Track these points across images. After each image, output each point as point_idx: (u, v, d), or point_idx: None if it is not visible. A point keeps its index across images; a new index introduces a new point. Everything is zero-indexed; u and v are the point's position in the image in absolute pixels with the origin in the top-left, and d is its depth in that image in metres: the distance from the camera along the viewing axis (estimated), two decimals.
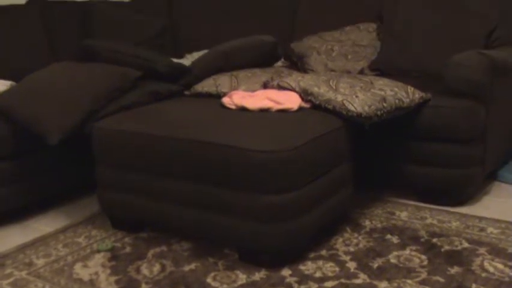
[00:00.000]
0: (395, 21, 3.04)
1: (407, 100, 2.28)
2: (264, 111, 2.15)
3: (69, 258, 2.12)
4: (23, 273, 2.02)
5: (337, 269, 1.96)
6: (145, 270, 2.00)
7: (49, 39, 3.21)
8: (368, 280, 1.88)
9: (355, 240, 2.18)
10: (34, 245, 2.24)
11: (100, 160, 2.25)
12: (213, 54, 2.74)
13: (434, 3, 2.94)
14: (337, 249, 2.11)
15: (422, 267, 1.96)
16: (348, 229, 2.28)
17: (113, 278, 1.95)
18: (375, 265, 1.98)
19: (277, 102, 2.15)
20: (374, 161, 2.58)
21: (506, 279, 1.86)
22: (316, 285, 1.86)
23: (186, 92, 2.62)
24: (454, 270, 1.93)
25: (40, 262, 2.10)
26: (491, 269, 1.93)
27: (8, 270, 2.04)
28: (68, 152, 2.60)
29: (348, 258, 2.04)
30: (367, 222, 2.34)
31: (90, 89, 2.32)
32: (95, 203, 2.65)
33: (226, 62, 2.73)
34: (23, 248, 2.22)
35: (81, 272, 2.01)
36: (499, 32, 2.80)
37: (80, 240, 2.28)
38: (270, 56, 2.96)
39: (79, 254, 2.15)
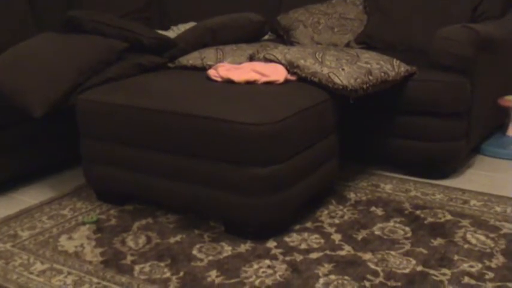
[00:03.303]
0: None
1: (393, 73, 2.28)
2: (250, 83, 2.14)
3: (54, 230, 2.12)
4: (8, 246, 2.01)
5: (322, 240, 1.98)
6: (130, 242, 2.00)
7: (33, 11, 3.15)
8: (352, 252, 1.90)
9: (340, 213, 2.20)
10: (19, 217, 2.23)
11: (85, 132, 2.24)
12: (200, 30, 2.72)
13: None
14: (322, 222, 2.12)
15: (406, 238, 1.98)
16: (333, 201, 2.30)
17: (98, 250, 1.96)
18: (360, 237, 2.00)
19: (263, 75, 2.14)
20: (360, 134, 2.59)
21: (488, 250, 1.89)
22: (301, 257, 1.87)
23: (170, 65, 2.60)
24: (437, 241, 1.95)
25: (25, 234, 2.10)
26: (473, 241, 1.95)
27: None
28: (52, 124, 2.58)
29: (332, 230, 2.06)
30: (352, 195, 2.36)
31: (75, 60, 2.29)
32: (80, 175, 2.65)
33: (212, 38, 2.72)
34: (7, 220, 2.21)
35: (66, 244, 2.01)
36: (485, 6, 2.80)
37: (65, 212, 2.27)
38: (257, 35, 2.95)
39: (64, 226, 2.15)
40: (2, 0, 3.02)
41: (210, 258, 1.88)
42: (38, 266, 1.87)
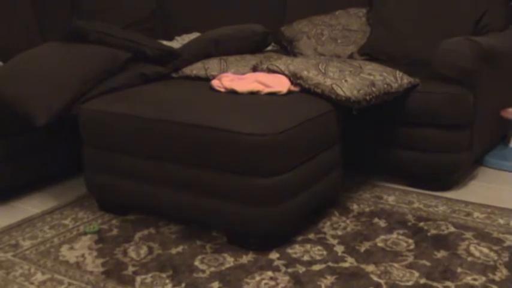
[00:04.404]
0: (385, 6, 3.03)
1: (396, 85, 2.28)
2: (253, 94, 2.14)
3: (56, 240, 2.11)
4: (9, 255, 2.01)
5: (324, 252, 1.97)
6: (132, 253, 2.00)
7: (36, 17, 3.17)
8: (355, 264, 1.89)
9: (343, 224, 2.19)
10: (20, 227, 2.23)
11: (87, 142, 2.24)
12: (204, 41, 2.73)
13: None
14: (325, 233, 2.11)
15: (409, 251, 1.97)
16: (336, 213, 2.29)
17: (99, 261, 1.95)
18: (362, 249, 1.99)
19: (267, 85, 2.15)
20: (363, 146, 2.59)
21: (491, 263, 1.88)
22: (304, 269, 1.86)
23: (174, 75, 2.60)
24: (440, 254, 1.95)
25: (26, 244, 2.09)
26: (476, 253, 1.94)
27: None
28: (55, 133, 2.58)
29: (335, 241, 2.05)
30: (355, 206, 2.35)
31: (79, 70, 2.29)
32: (82, 185, 2.64)
33: (216, 49, 2.72)
34: (9, 230, 2.20)
35: (68, 254, 2.01)
36: (487, 19, 2.80)
37: (67, 222, 2.27)
38: (260, 46, 2.95)
39: (65, 236, 2.14)
40: (5, 5, 3.04)
41: (212, 269, 1.88)
42: (39, 277, 1.86)
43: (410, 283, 1.77)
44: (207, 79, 2.46)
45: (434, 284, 1.76)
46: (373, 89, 2.18)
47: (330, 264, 1.89)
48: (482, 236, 2.07)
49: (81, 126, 2.23)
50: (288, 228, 2.06)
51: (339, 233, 2.12)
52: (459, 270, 1.84)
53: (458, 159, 2.44)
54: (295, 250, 1.99)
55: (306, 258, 1.93)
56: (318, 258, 1.93)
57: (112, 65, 2.38)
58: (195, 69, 2.54)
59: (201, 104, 2.05)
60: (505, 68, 2.79)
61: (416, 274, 1.82)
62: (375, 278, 1.80)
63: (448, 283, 1.76)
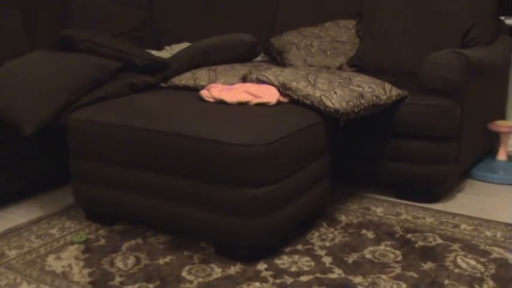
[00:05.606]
0: (374, 18, 3.05)
1: (385, 97, 2.29)
2: (242, 104, 2.14)
3: (42, 250, 2.10)
4: None
5: (312, 263, 1.97)
6: (119, 263, 1.98)
7: (28, 29, 3.16)
8: (343, 275, 1.89)
9: (331, 235, 2.19)
10: (6, 236, 2.21)
11: (75, 151, 2.22)
12: (193, 51, 2.74)
13: (413, 3, 2.95)
14: (313, 244, 2.11)
15: (397, 262, 1.97)
16: (324, 224, 2.29)
17: (86, 271, 1.93)
18: (350, 260, 1.99)
19: (256, 96, 2.15)
20: (351, 157, 2.60)
21: (478, 275, 1.89)
22: (292, 280, 1.86)
23: (163, 85, 2.60)
24: (428, 265, 1.95)
25: (12, 253, 2.07)
26: (463, 265, 1.95)
27: None
28: (42, 142, 2.56)
29: (323, 253, 2.05)
30: (343, 218, 2.35)
31: (68, 79, 2.29)
32: (69, 194, 2.63)
33: (205, 59, 2.73)
34: None
35: (54, 264, 1.99)
36: (475, 32, 2.83)
37: (54, 231, 2.25)
38: (249, 55, 2.96)
39: (52, 246, 2.12)
40: None
41: (200, 280, 1.87)
42: (25, 286, 1.84)
43: None
44: (196, 89, 2.46)
45: None
46: (362, 101, 2.19)
47: (318, 275, 1.89)
48: (469, 247, 2.08)
49: (69, 136, 2.22)
50: (276, 239, 2.06)
51: (327, 244, 2.12)
52: (446, 282, 1.84)
53: (446, 171, 2.45)
54: (283, 261, 1.99)
55: (293, 269, 1.93)
56: (306, 269, 1.93)
57: (101, 75, 2.37)
58: (184, 79, 2.54)
59: (190, 114, 2.05)
60: (492, 80, 2.82)
61: (404, 286, 1.82)
62: None
63: None
